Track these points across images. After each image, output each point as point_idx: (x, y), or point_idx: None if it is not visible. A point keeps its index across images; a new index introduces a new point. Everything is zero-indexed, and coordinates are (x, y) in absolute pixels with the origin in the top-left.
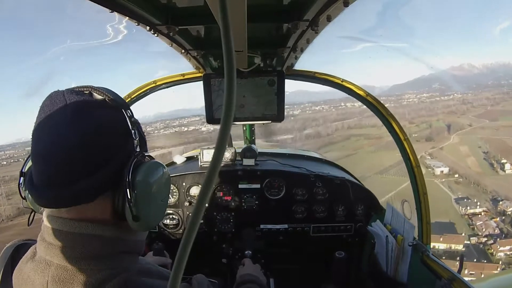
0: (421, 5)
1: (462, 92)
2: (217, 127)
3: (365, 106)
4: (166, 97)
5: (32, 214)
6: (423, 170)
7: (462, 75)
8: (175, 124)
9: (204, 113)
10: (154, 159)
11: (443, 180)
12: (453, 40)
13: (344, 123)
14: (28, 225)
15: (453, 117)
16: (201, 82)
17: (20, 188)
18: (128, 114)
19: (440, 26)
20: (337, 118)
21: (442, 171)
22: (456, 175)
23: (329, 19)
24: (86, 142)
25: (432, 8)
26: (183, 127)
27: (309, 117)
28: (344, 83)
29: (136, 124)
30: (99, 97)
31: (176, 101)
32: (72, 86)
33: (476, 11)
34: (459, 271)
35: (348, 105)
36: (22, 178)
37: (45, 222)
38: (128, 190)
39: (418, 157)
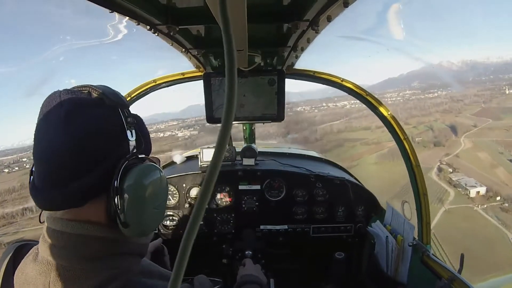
0: (392, 4)
1: (445, 90)
2: (195, 132)
3: (349, 107)
4: (148, 100)
5: (43, 213)
6: (452, 192)
7: (442, 72)
8: (151, 129)
9: (182, 117)
10: (152, 161)
11: (485, 206)
12: (430, 38)
13: (333, 126)
14: (40, 222)
15: (450, 116)
16: (182, 84)
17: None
18: (125, 114)
19: (416, 25)
20: (322, 120)
21: (478, 192)
22: (498, 198)
23: (329, 19)
24: (76, 145)
25: (405, 8)
26: (159, 133)
27: (292, 120)
28: (344, 83)
29: (133, 124)
30: (95, 96)
31: (156, 104)
32: (70, 87)
33: (452, 8)
34: (459, 271)
35: (330, 105)
36: (32, 177)
37: (47, 223)
38: (116, 195)
39: (435, 169)
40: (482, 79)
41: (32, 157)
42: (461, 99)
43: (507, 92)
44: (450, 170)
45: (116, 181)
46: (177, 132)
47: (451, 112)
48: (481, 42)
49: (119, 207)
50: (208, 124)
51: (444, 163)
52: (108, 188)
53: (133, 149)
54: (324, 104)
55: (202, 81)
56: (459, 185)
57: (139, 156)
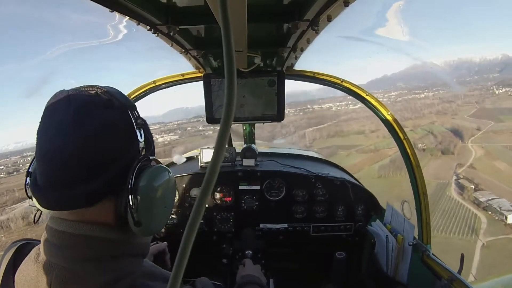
0: (377, 4)
1: (431, 90)
2: (175, 137)
3: (334, 109)
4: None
5: (39, 212)
6: (483, 216)
7: (426, 73)
8: None
9: (164, 120)
10: (160, 162)
11: None
12: (414, 39)
13: (322, 131)
14: (34, 223)
15: (447, 118)
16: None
17: (27, 188)
18: (134, 115)
19: (400, 25)
20: (309, 124)
21: None
22: None
23: (329, 19)
24: (87, 146)
25: (391, 7)
26: None
27: (277, 123)
28: (344, 83)
29: (142, 125)
30: (104, 97)
31: (139, 107)
32: (68, 88)
33: (437, 9)
34: (460, 271)
35: (315, 108)
36: (28, 178)
37: (49, 223)
38: (130, 196)
39: (453, 184)
40: (466, 80)
41: (9, 164)
42: (452, 100)
43: (497, 92)
44: (472, 186)
45: (131, 182)
46: (157, 137)
47: (446, 113)
48: (466, 43)
49: (133, 207)
50: (189, 128)
51: (462, 176)
52: (118, 189)
53: (141, 150)
54: (308, 106)
55: (191, 83)
56: (490, 207)
57: (149, 157)
